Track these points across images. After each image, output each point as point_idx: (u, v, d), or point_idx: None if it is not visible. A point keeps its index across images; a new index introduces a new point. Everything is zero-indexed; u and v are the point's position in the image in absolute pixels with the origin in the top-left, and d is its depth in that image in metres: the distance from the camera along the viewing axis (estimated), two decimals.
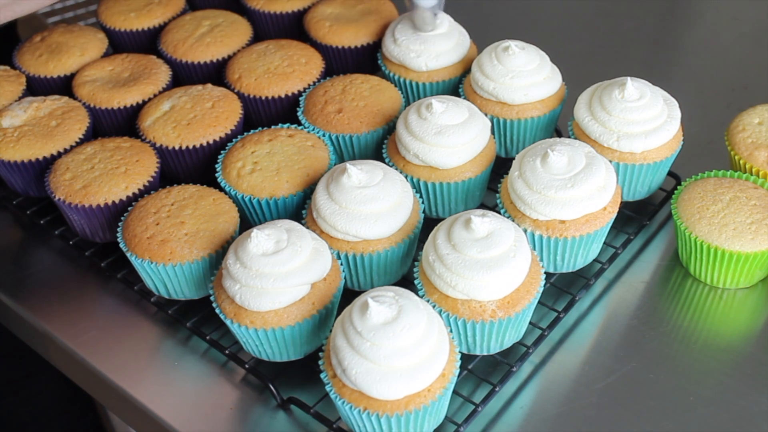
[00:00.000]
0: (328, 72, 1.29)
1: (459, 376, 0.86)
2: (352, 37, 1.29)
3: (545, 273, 0.96)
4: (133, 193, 1.06)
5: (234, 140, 1.11)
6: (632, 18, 1.53)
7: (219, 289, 0.93)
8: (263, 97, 1.21)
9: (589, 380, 0.93)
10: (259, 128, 1.13)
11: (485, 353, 0.94)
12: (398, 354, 0.79)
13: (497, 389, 0.90)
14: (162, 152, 1.13)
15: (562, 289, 1.01)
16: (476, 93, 1.14)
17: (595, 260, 1.03)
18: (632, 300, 1.02)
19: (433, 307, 0.89)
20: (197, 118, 1.14)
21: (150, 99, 1.20)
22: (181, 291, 1.01)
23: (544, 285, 0.93)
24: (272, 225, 0.91)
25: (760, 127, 1.08)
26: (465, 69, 1.21)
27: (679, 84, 1.34)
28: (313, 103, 1.16)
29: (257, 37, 1.36)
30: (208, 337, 0.98)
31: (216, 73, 1.29)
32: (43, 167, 1.12)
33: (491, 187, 1.12)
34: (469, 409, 0.89)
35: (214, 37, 1.29)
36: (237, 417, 0.92)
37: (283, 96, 1.21)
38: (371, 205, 0.95)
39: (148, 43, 1.35)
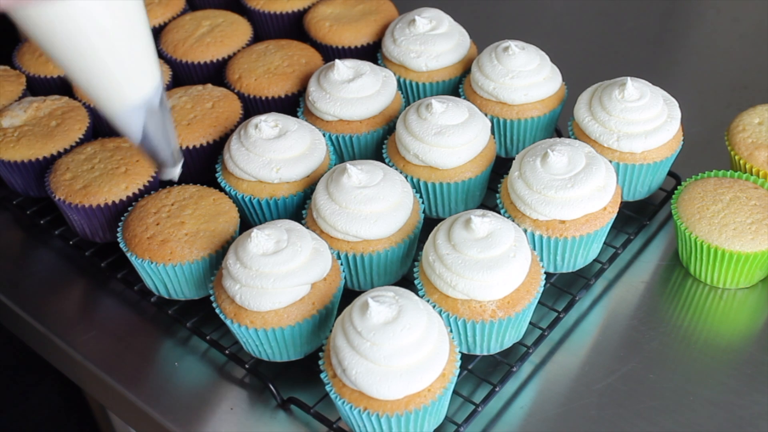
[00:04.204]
0: None
1: (459, 376, 0.86)
2: (352, 37, 1.29)
3: (545, 273, 0.96)
4: (133, 193, 1.06)
5: None
6: (632, 18, 1.53)
7: (219, 289, 0.93)
8: (263, 97, 1.21)
9: (589, 380, 0.93)
10: None
11: (485, 353, 0.94)
12: (398, 354, 0.79)
13: (497, 389, 0.90)
14: None
15: (562, 289, 1.01)
16: (476, 93, 1.14)
17: (595, 260, 1.03)
18: (632, 300, 1.02)
19: (433, 307, 0.89)
20: (197, 118, 1.14)
21: None
22: (181, 291, 1.01)
23: (544, 285, 0.93)
24: (272, 225, 0.92)
25: (760, 127, 1.08)
26: (465, 69, 1.21)
27: (679, 84, 1.34)
28: None
29: (257, 37, 1.36)
30: (208, 337, 0.98)
31: (216, 73, 1.29)
32: (43, 167, 1.12)
33: (491, 187, 1.12)
34: (469, 409, 0.89)
35: (214, 37, 1.29)
36: (237, 417, 0.92)
37: (283, 96, 1.21)
38: (371, 205, 0.95)
39: None
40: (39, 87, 1.28)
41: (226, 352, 0.96)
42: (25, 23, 0.70)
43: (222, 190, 1.06)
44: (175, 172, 0.88)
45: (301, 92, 1.22)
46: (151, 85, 0.79)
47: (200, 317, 1.00)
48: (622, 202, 1.06)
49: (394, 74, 1.20)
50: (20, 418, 1.42)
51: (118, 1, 0.72)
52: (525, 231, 0.96)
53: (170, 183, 1.12)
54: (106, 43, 0.73)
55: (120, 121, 0.80)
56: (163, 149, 0.84)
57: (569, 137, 1.09)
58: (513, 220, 0.97)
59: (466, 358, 0.93)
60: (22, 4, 0.61)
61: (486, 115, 1.11)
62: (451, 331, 0.88)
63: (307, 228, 0.96)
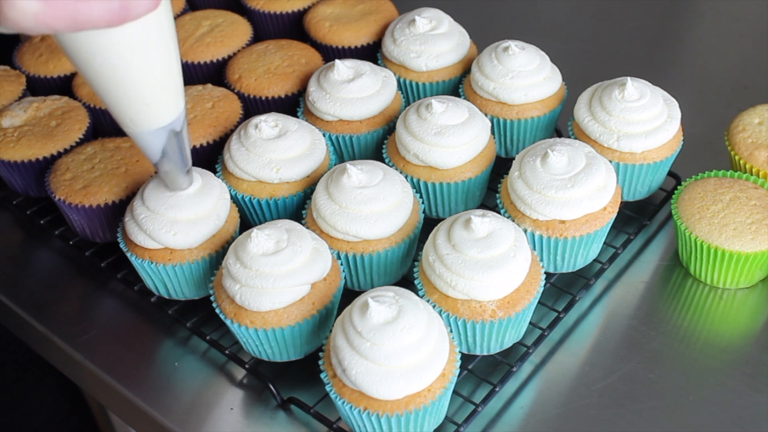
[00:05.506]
0: None
1: (459, 376, 0.86)
2: (352, 37, 1.29)
3: (545, 273, 0.96)
4: (133, 193, 1.06)
5: None
6: (632, 18, 1.53)
7: (219, 289, 0.93)
8: (263, 97, 1.21)
9: (589, 380, 0.93)
10: None
11: (485, 353, 0.94)
12: (398, 354, 0.79)
13: (497, 389, 0.90)
14: None
15: (562, 289, 1.01)
16: (476, 93, 1.14)
17: (595, 260, 1.03)
18: (632, 300, 1.02)
19: (433, 307, 0.89)
20: (197, 118, 1.14)
21: None
22: (181, 291, 1.01)
23: (544, 285, 0.93)
24: (272, 225, 0.92)
25: (760, 127, 1.08)
26: (465, 69, 1.21)
27: (679, 84, 1.34)
28: None
29: (257, 37, 1.36)
30: (208, 337, 0.98)
31: (216, 73, 1.29)
32: (43, 167, 1.12)
33: (491, 187, 1.12)
34: (469, 409, 0.89)
35: (214, 37, 1.29)
36: (237, 417, 0.92)
37: (283, 96, 1.21)
38: (371, 205, 0.95)
39: None
40: (39, 87, 1.28)
41: (226, 352, 0.96)
42: (67, 46, 0.73)
43: None
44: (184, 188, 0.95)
45: (301, 92, 1.22)
46: (177, 110, 0.84)
47: (200, 317, 1.00)
48: (622, 202, 1.06)
49: (394, 74, 1.20)
50: (20, 418, 1.42)
51: (159, 31, 0.76)
52: (525, 231, 0.96)
53: None
54: (145, 71, 0.77)
55: (143, 140, 0.84)
56: (178, 169, 0.90)
57: (569, 137, 1.09)
58: (513, 220, 0.97)
59: (466, 358, 0.93)
60: (68, 29, 0.65)
61: (486, 115, 1.11)
62: (451, 331, 0.88)
63: (307, 228, 0.96)
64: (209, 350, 0.99)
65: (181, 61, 1.26)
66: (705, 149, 1.21)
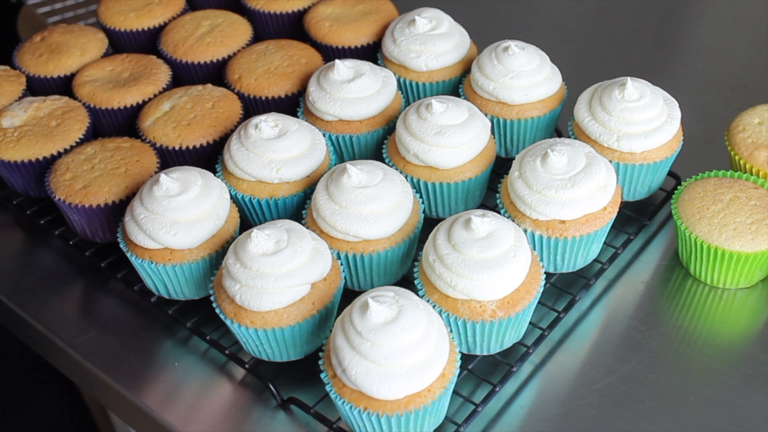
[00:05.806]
0: None
1: (459, 376, 0.86)
2: (352, 37, 1.29)
3: (545, 273, 0.96)
4: (133, 193, 1.06)
5: None
6: (632, 18, 1.53)
7: (219, 289, 0.93)
8: (263, 97, 1.21)
9: (589, 380, 0.93)
10: None
11: (485, 353, 0.94)
12: (398, 354, 0.79)
13: (497, 389, 0.90)
14: (162, 152, 1.13)
15: (562, 289, 1.01)
16: (476, 93, 1.14)
17: (595, 260, 1.03)
18: (632, 300, 1.02)
19: (433, 307, 0.89)
20: (197, 118, 1.14)
21: (150, 99, 1.21)
22: (181, 291, 1.01)
23: (544, 285, 0.93)
24: (272, 225, 0.92)
25: (760, 127, 1.08)
26: (465, 69, 1.21)
27: (679, 84, 1.34)
28: None
29: (257, 37, 1.36)
30: (208, 337, 0.98)
31: (216, 73, 1.29)
32: (43, 167, 1.12)
33: (491, 187, 1.12)
34: (469, 409, 0.89)
35: (214, 37, 1.29)
36: (237, 417, 0.92)
37: (283, 96, 1.21)
38: (371, 205, 0.95)
39: (148, 43, 1.35)
40: (39, 87, 1.28)
41: (226, 352, 0.96)
42: None
43: None
44: None
45: (301, 92, 1.22)
46: None
47: (200, 317, 1.00)
48: (622, 202, 1.06)
49: (394, 74, 1.20)
50: (20, 418, 1.42)
51: None
52: (525, 231, 0.96)
53: None
54: None
55: None
56: None
57: (569, 137, 1.09)
58: (513, 220, 0.97)
59: (466, 358, 0.93)
60: None
61: (486, 115, 1.11)
62: (451, 331, 0.88)
63: (307, 228, 0.96)
64: (209, 350, 0.99)
65: (181, 60, 1.27)
66: (705, 149, 1.21)
